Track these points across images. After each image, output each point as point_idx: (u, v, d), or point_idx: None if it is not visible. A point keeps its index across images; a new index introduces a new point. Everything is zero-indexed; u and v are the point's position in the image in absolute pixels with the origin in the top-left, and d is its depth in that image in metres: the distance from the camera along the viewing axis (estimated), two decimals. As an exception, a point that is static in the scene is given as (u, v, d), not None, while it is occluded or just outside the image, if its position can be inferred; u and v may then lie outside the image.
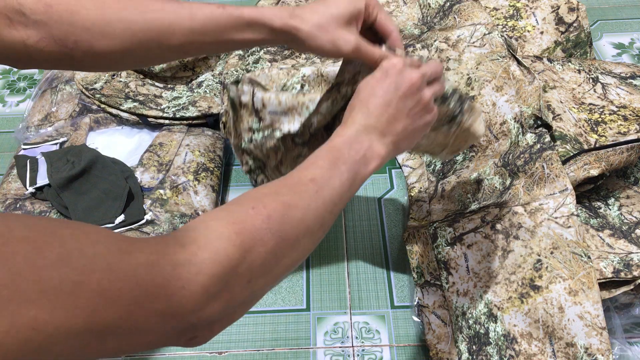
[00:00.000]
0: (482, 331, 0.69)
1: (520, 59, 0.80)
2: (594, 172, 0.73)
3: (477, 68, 0.85)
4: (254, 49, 1.05)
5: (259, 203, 0.41)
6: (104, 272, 0.30)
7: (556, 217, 0.69)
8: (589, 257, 0.66)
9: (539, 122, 0.76)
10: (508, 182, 0.76)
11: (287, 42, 0.54)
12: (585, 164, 0.73)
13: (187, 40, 0.52)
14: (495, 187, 0.77)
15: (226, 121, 0.77)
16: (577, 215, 0.69)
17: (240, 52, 1.05)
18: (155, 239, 0.35)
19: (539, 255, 0.68)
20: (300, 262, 0.45)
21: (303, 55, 1.05)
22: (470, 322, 0.70)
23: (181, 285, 0.33)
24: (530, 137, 0.76)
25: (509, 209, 0.73)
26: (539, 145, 0.74)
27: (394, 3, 1.03)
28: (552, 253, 0.68)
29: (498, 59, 0.84)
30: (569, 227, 0.68)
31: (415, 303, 0.77)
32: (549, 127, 0.76)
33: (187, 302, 0.34)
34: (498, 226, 0.73)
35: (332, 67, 0.88)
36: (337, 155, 0.48)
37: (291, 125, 0.72)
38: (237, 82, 0.73)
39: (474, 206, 0.78)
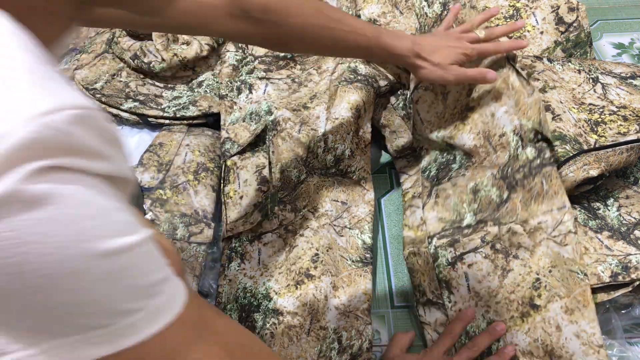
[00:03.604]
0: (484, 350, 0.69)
1: (519, 69, 0.80)
2: (594, 173, 0.72)
3: None
4: (248, 59, 1.05)
5: None
6: None
7: (554, 236, 0.69)
8: (585, 275, 0.66)
9: (540, 137, 0.75)
10: (505, 195, 0.75)
11: (407, 65, 0.79)
12: (584, 164, 0.73)
13: (341, 41, 0.72)
14: (492, 199, 0.76)
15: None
16: (575, 233, 0.68)
17: (234, 62, 1.05)
18: None
19: (538, 274, 0.69)
20: None
21: (298, 66, 1.05)
22: (473, 340, 0.70)
23: None
24: (530, 152, 0.75)
25: (508, 229, 0.73)
26: (538, 161, 0.73)
27: (390, 14, 1.03)
28: (550, 272, 0.68)
29: (497, 70, 0.83)
30: (566, 245, 0.68)
31: (415, 306, 0.77)
32: (549, 141, 0.75)
33: None
34: (498, 246, 0.73)
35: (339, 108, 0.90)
36: None
37: None
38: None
39: (469, 217, 0.78)
